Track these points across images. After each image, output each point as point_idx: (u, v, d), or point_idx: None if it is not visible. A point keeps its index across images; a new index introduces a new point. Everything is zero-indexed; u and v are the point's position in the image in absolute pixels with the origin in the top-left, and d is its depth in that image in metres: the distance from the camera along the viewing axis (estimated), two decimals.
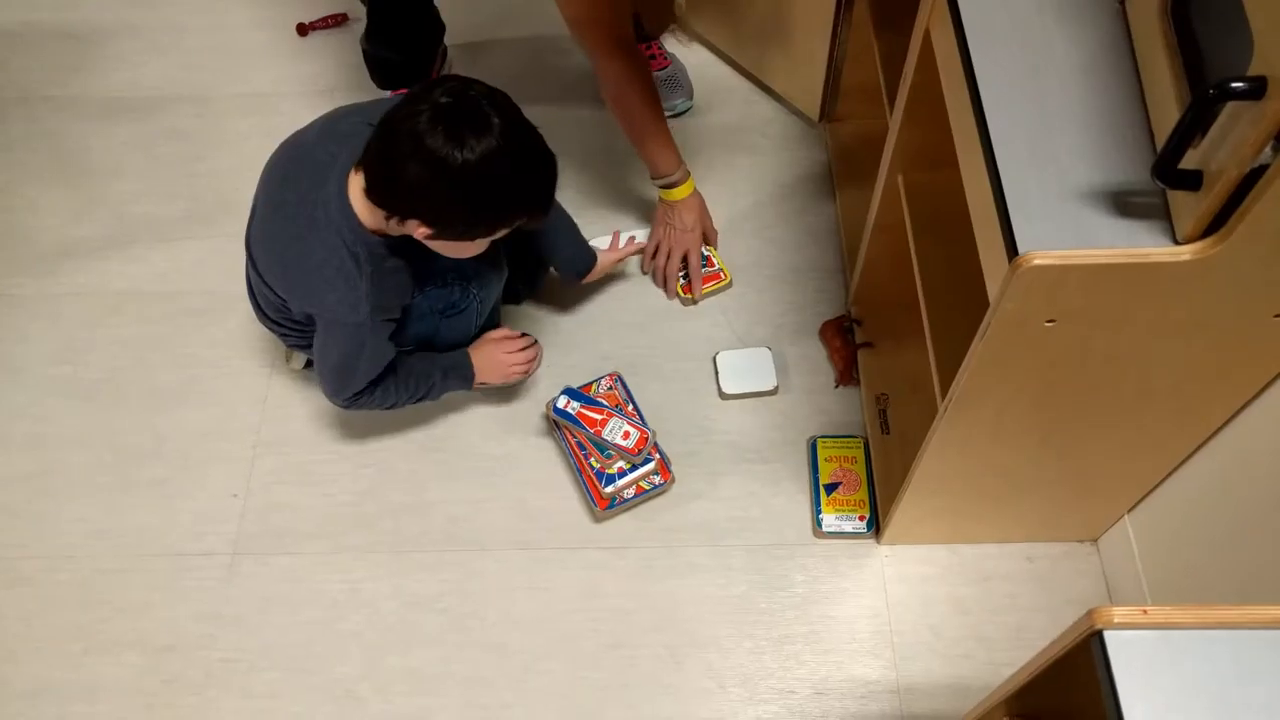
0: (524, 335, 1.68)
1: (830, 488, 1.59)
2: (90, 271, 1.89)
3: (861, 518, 1.56)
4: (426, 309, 1.47)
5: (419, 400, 1.55)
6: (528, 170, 1.25)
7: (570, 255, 1.69)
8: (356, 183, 1.26)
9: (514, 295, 1.76)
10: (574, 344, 1.77)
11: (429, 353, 1.55)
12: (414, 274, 1.39)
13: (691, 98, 2.05)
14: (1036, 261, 0.87)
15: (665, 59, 2.05)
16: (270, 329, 1.55)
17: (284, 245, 1.35)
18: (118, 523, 1.63)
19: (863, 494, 1.58)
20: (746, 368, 1.71)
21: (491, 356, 1.61)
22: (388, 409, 1.54)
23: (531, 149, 1.25)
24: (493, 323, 1.66)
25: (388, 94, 1.99)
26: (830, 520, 1.56)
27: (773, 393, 1.70)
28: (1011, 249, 0.88)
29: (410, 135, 1.17)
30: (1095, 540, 1.54)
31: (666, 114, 2.02)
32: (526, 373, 1.67)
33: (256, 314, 1.56)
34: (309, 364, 1.72)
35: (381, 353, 1.43)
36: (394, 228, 1.27)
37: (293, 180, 1.35)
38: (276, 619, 1.54)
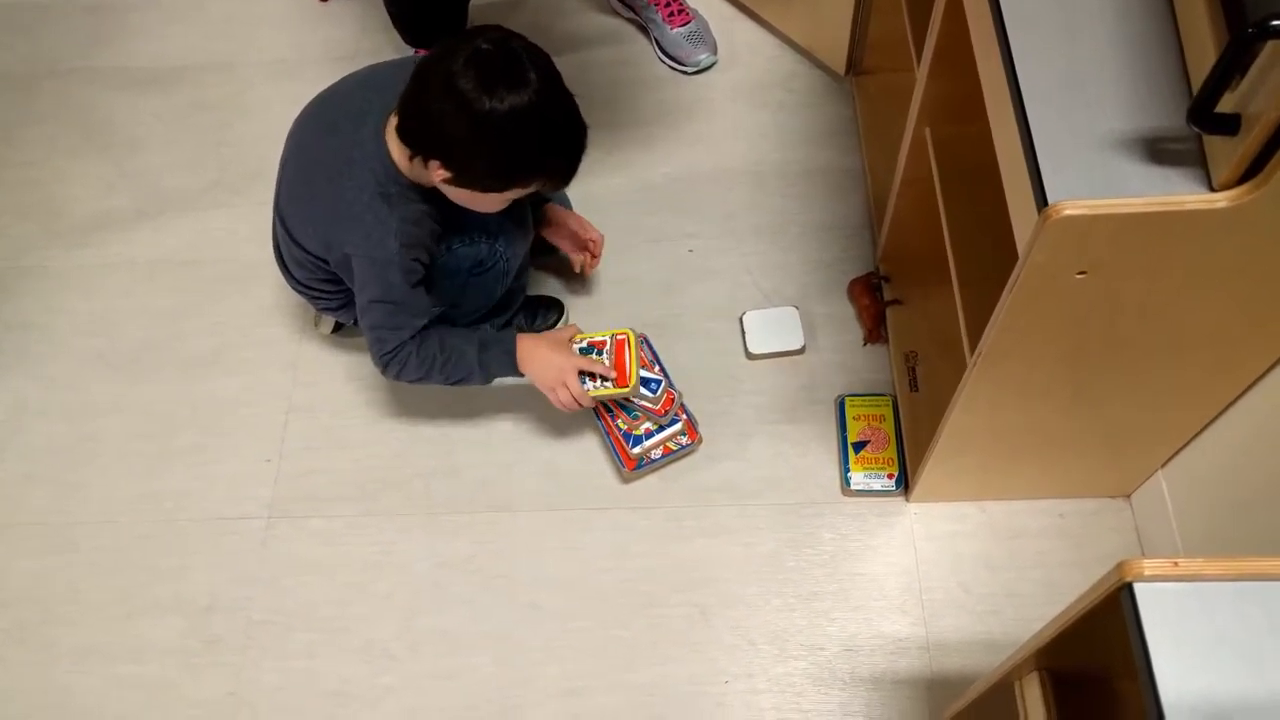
0: (601, 364, 1.50)
1: (859, 446, 1.58)
2: (121, 242, 1.91)
3: (890, 475, 1.55)
4: (454, 266, 1.46)
5: (461, 378, 1.47)
6: (554, 134, 1.24)
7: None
8: (392, 123, 1.28)
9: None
10: (600, 305, 1.77)
11: (474, 328, 1.54)
12: (441, 225, 1.39)
13: (715, 53, 2.02)
14: (1067, 212, 0.85)
15: (688, 14, 2.02)
16: (300, 292, 1.57)
17: (317, 189, 1.36)
18: (156, 488, 1.66)
19: (891, 452, 1.58)
20: (773, 327, 1.70)
21: (551, 359, 1.47)
22: (436, 381, 1.46)
23: (563, 114, 1.24)
24: (520, 285, 1.66)
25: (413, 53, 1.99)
26: (859, 478, 1.56)
27: (800, 352, 1.69)
28: (1041, 199, 0.86)
29: (444, 75, 1.18)
30: (1128, 496, 1.52)
31: (690, 70, 2.01)
32: (566, 404, 1.49)
33: (285, 278, 1.57)
34: (337, 328, 1.74)
35: (417, 303, 1.40)
36: (418, 169, 1.28)
37: (328, 127, 1.37)
38: (312, 581, 1.56)
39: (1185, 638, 0.70)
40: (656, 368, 1.63)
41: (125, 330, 1.82)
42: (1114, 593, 0.74)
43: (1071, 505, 1.53)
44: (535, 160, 1.26)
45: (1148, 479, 1.46)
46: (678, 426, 1.58)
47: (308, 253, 1.42)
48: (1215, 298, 0.99)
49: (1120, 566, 0.73)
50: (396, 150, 1.30)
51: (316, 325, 1.76)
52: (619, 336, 1.51)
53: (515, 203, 1.36)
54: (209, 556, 1.60)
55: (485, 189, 1.29)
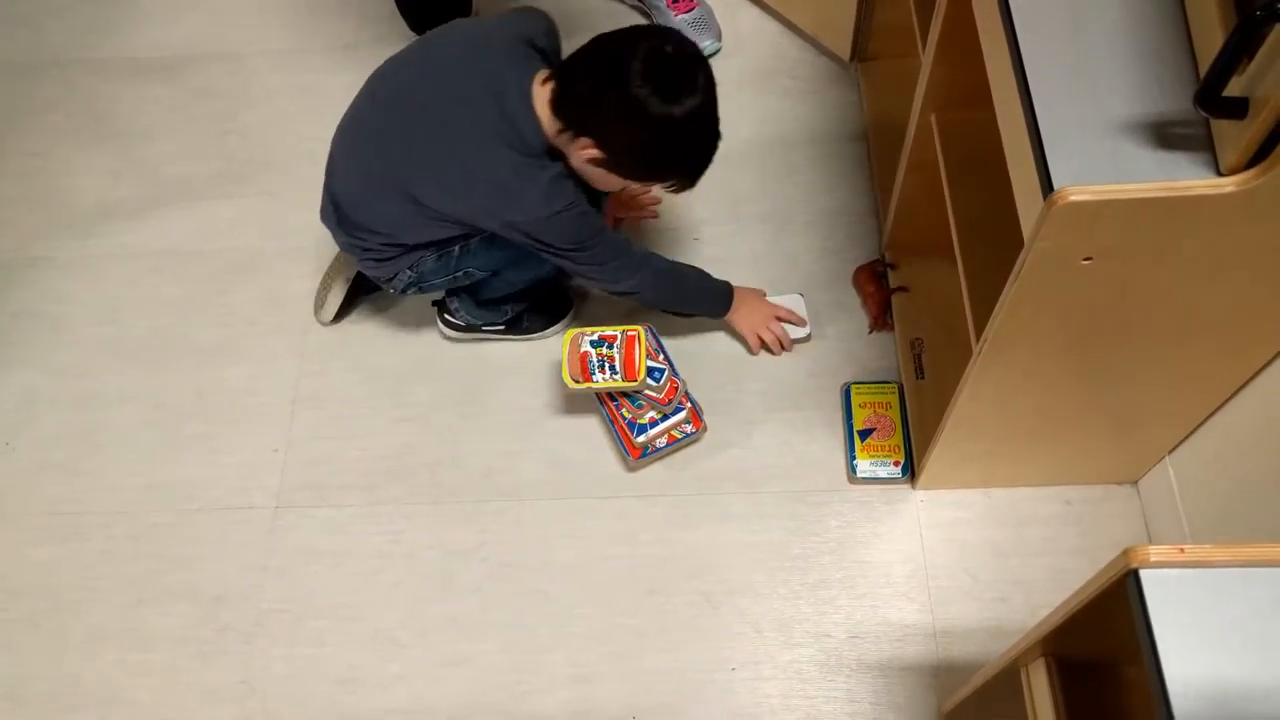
0: (795, 314, 1.68)
1: (865, 433, 1.58)
2: (128, 232, 1.92)
3: (896, 463, 1.55)
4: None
5: (689, 299, 1.61)
6: (708, 140, 1.32)
7: None
8: (542, 94, 1.31)
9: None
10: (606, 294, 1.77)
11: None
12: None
13: (720, 40, 2.01)
14: (1072, 197, 0.85)
15: (693, 1, 2.01)
16: (358, 252, 1.52)
17: (468, 154, 1.33)
18: (165, 477, 1.67)
19: (897, 439, 1.57)
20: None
21: (757, 306, 1.65)
22: (659, 298, 1.59)
23: (716, 122, 1.31)
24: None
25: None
26: (865, 466, 1.56)
27: (806, 339, 1.68)
28: (1046, 185, 0.86)
29: (622, 69, 1.22)
30: (1135, 482, 1.52)
31: None
32: (776, 344, 1.66)
33: (347, 240, 1.52)
34: (339, 316, 1.74)
35: (609, 233, 1.44)
36: (562, 141, 1.32)
37: (459, 92, 1.34)
38: (320, 570, 1.57)
39: (1191, 623, 0.71)
40: (661, 356, 1.63)
41: (133, 319, 1.82)
42: (1120, 579, 0.74)
43: (1078, 492, 1.53)
44: (686, 160, 1.33)
45: (1155, 465, 1.46)
46: (682, 415, 1.58)
47: (435, 218, 1.40)
48: (1223, 283, 0.99)
49: (1126, 553, 0.73)
50: (547, 119, 1.31)
51: (317, 314, 1.76)
52: (629, 332, 1.51)
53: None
54: (218, 545, 1.60)
55: (628, 177, 1.34)
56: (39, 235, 1.93)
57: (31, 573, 1.61)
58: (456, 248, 1.48)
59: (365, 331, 1.77)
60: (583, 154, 1.31)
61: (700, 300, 1.63)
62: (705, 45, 1.99)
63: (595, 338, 1.51)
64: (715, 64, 1.97)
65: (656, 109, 1.23)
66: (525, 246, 1.39)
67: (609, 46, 1.26)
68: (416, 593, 1.54)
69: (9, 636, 1.56)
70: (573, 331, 1.50)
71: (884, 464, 1.56)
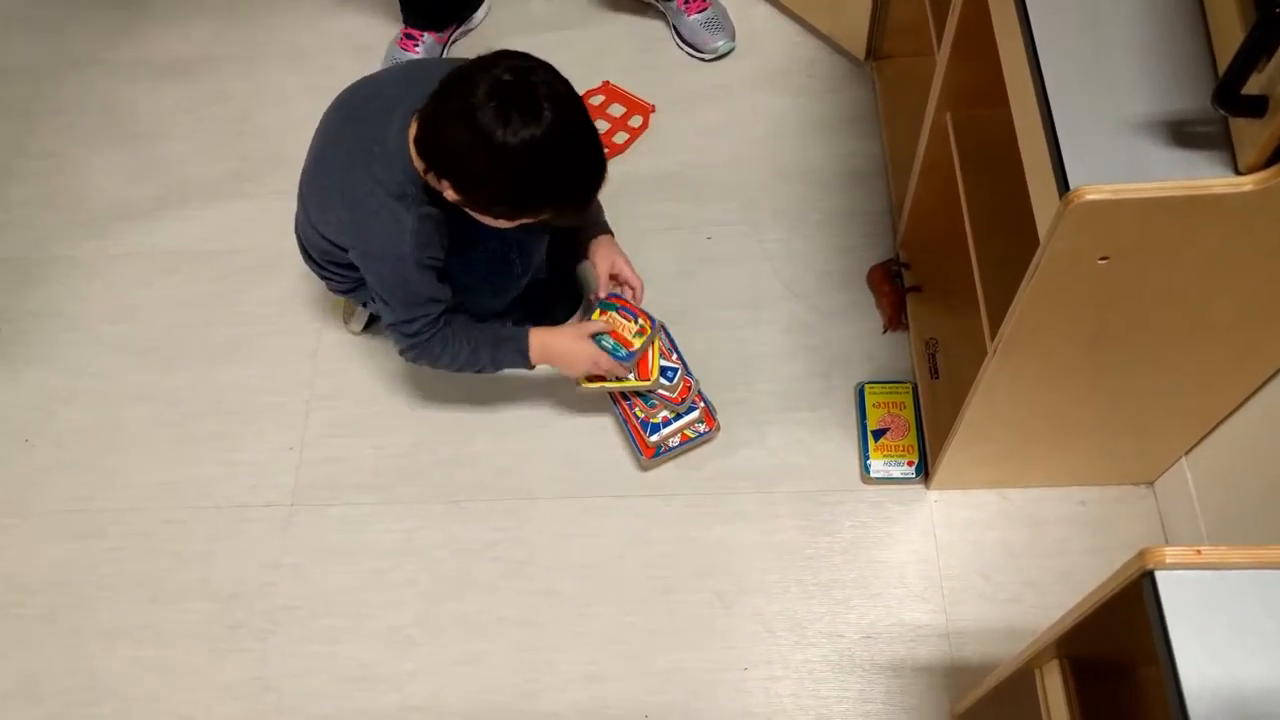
0: (622, 367, 1.52)
1: (878, 433, 1.58)
2: (144, 232, 1.93)
3: (910, 463, 1.55)
4: (466, 266, 1.46)
5: (478, 369, 1.49)
6: (566, 169, 1.23)
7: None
8: (414, 129, 1.28)
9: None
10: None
11: (491, 322, 1.53)
12: (455, 230, 1.39)
13: (733, 39, 2.01)
14: (1089, 197, 0.84)
15: (705, 1, 2.01)
16: (315, 272, 1.57)
17: (336, 175, 1.36)
18: (180, 475, 1.68)
19: (911, 439, 1.57)
20: None
21: (575, 350, 1.50)
22: (454, 370, 1.48)
23: (577, 149, 1.23)
24: (540, 279, 1.63)
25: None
26: (878, 466, 1.55)
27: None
28: (1062, 184, 0.85)
29: (461, 99, 1.17)
30: (1152, 483, 1.51)
31: (708, 56, 2.00)
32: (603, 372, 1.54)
33: (303, 259, 1.58)
34: (367, 326, 1.75)
35: (433, 293, 1.40)
36: (432, 181, 1.28)
37: (356, 116, 1.37)
38: (334, 568, 1.58)
39: (1207, 626, 0.70)
40: (674, 356, 1.62)
41: (149, 319, 1.83)
42: (1136, 580, 0.73)
43: (1094, 493, 1.52)
44: (544, 194, 1.24)
45: (1171, 466, 1.45)
46: (695, 414, 1.58)
47: (324, 238, 1.43)
48: (1241, 282, 0.98)
49: (1142, 554, 0.72)
50: (416, 156, 1.29)
51: (347, 324, 1.76)
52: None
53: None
54: (233, 543, 1.61)
55: (495, 216, 1.29)
56: (56, 235, 1.94)
57: (48, 569, 1.62)
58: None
59: (380, 333, 1.77)
60: (448, 195, 1.26)
61: (490, 365, 1.49)
62: (719, 45, 1.99)
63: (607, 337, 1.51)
64: (729, 63, 2.01)
65: (493, 140, 1.15)
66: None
67: (454, 81, 1.19)
68: (429, 591, 1.55)
69: (26, 632, 1.57)
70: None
71: (898, 464, 1.55)
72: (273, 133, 2.03)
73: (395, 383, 1.73)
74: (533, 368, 1.51)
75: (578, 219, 1.30)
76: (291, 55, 2.14)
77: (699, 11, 2.00)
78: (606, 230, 1.61)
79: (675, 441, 1.58)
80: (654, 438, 1.56)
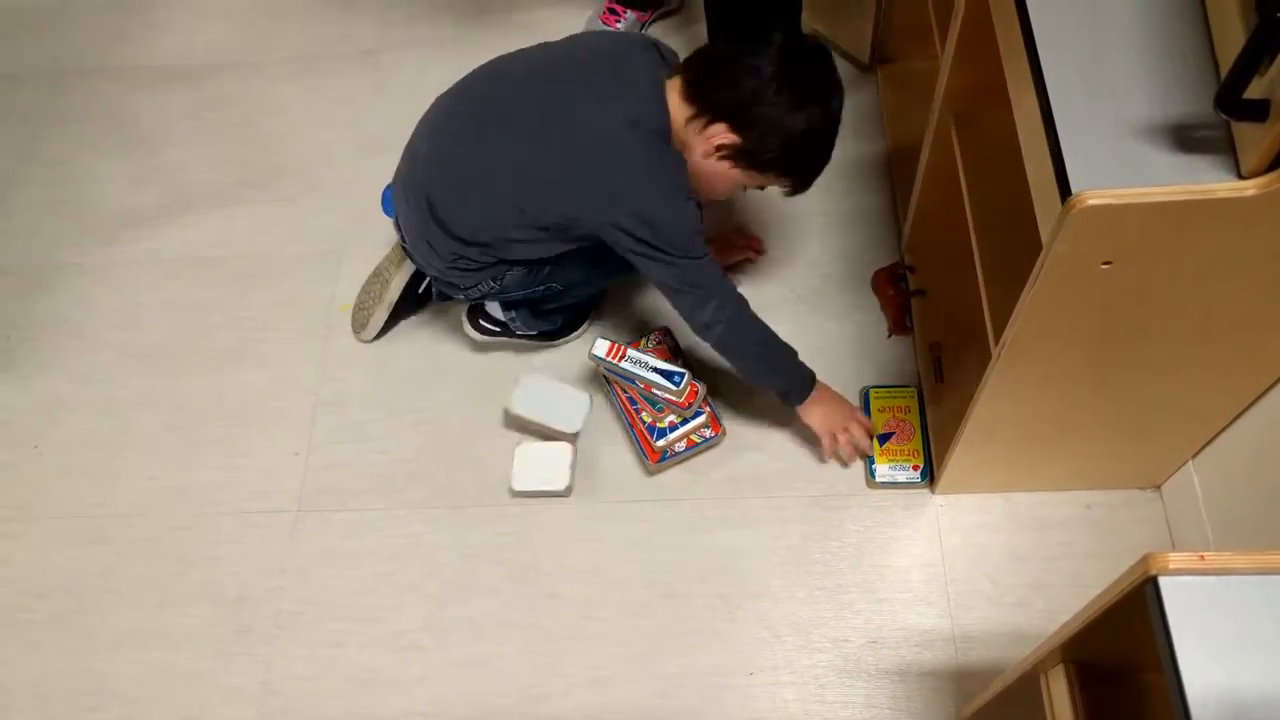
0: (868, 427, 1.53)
1: (884, 438, 1.58)
2: (149, 238, 1.94)
3: (915, 467, 1.55)
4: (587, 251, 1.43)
5: (766, 368, 1.48)
6: (832, 145, 1.34)
7: None
8: (673, 85, 1.31)
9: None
10: (625, 297, 1.77)
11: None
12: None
13: None
14: (1091, 202, 0.84)
15: None
16: (451, 278, 1.50)
17: (592, 152, 1.30)
18: (187, 481, 1.68)
19: (916, 444, 1.57)
20: (542, 461, 1.60)
21: (839, 405, 1.51)
22: (741, 353, 1.46)
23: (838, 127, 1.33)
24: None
25: None
26: (884, 470, 1.55)
27: (564, 494, 1.59)
28: (1064, 189, 0.85)
29: (770, 57, 1.24)
30: (1158, 487, 1.51)
31: None
32: (850, 451, 1.53)
33: (431, 263, 1.49)
34: (380, 334, 1.75)
35: (711, 261, 1.37)
36: (690, 133, 1.31)
37: (580, 89, 1.33)
38: (340, 572, 1.58)
39: (1211, 631, 0.70)
40: (680, 360, 1.63)
41: (155, 325, 1.84)
42: (1139, 586, 0.73)
43: (1100, 496, 1.51)
44: (817, 164, 1.35)
45: (1178, 470, 1.44)
46: (701, 419, 1.58)
47: (540, 227, 1.37)
48: (1244, 286, 0.98)
49: (1145, 560, 0.72)
50: (676, 107, 1.31)
51: (359, 334, 1.76)
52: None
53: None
54: (239, 548, 1.62)
55: (752, 166, 1.32)
56: (63, 242, 1.95)
57: (56, 574, 1.63)
58: (548, 266, 1.49)
59: (384, 336, 1.78)
60: (713, 142, 1.29)
61: (777, 371, 1.48)
62: None
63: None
64: None
65: (805, 99, 1.26)
66: (624, 248, 1.32)
67: (751, 39, 1.27)
68: (435, 595, 1.55)
69: (35, 637, 1.58)
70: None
71: (903, 468, 1.55)
72: (276, 139, 2.03)
73: (401, 387, 1.73)
74: (802, 400, 1.49)
75: (788, 192, 1.39)
76: (292, 60, 2.14)
77: None
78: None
79: (681, 446, 1.58)
80: (660, 443, 1.56)
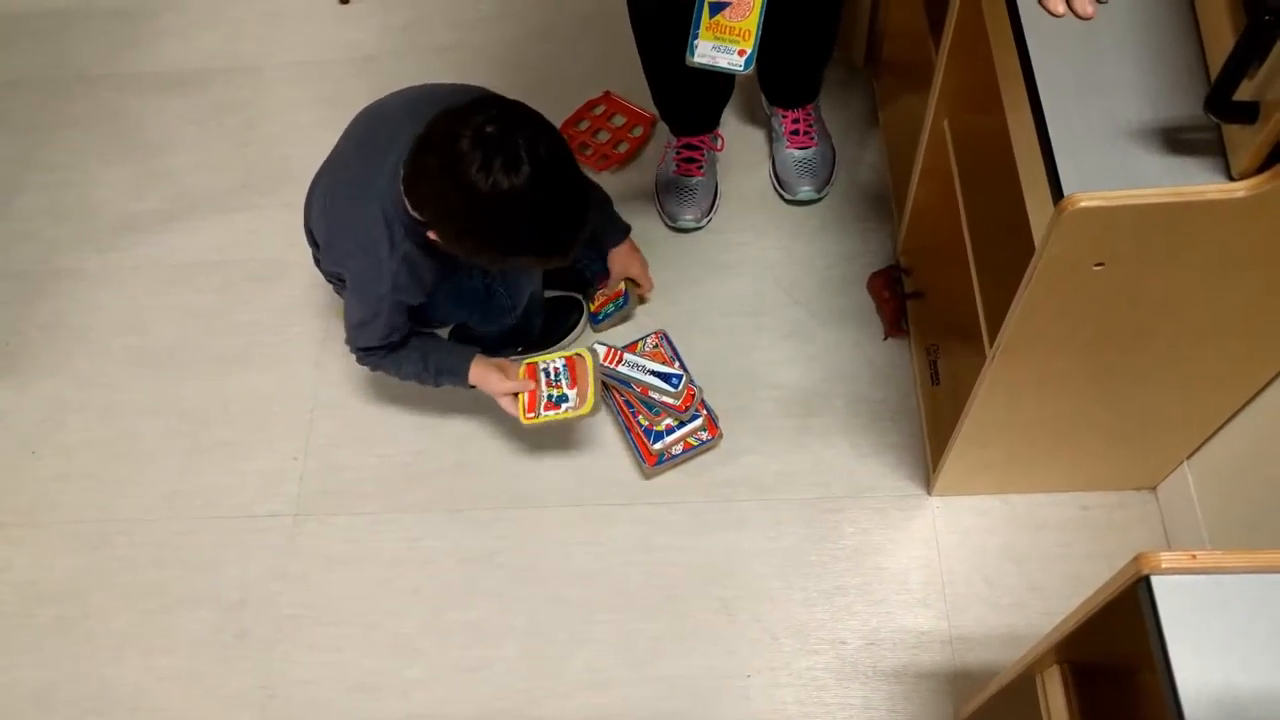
0: (522, 381, 1.52)
1: (716, 7, 1.25)
2: (152, 244, 1.95)
3: (741, 52, 1.24)
4: (456, 298, 1.49)
5: (425, 383, 1.53)
6: (545, 221, 1.22)
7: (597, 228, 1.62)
8: (404, 171, 1.28)
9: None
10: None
11: (440, 339, 1.56)
12: (442, 268, 1.39)
13: (819, 191, 1.85)
14: (1083, 204, 0.85)
15: (812, 140, 1.85)
16: (325, 277, 1.59)
17: (334, 200, 1.40)
18: (188, 485, 1.69)
19: (751, 23, 1.23)
20: None
21: (490, 375, 1.52)
22: (401, 379, 1.53)
23: (557, 201, 1.21)
24: (536, 308, 1.66)
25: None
26: (704, 49, 1.25)
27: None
28: (1056, 191, 0.86)
29: (446, 148, 1.16)
30: (1154, 488, 1.51)
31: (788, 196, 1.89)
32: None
33: (315, 262, 1.59)
34: None
35: (397, 325, 1.43)
36: (424, 223, 1.29)
37: (362, 144, 1.40)
38: (340, 576, 1.59)
39: (1204, 631, 0.70)
40: (677, 363, 1.63)
41: (157, 330, 1.85)
42: (1131, 586, 0.74)
43: (1096, 498, 1.52)
44: (520, 242, 1.24)
45: (1173, 471, 1.45)
46: (698, 422, 1.59)
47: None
48: (1237, 287, 0.98)
49: (1137, 559, 0.73)
50: (404, 197, 1.29)
51: None
52: (572, 357, 1.51)
53: None
54: (239, 552, 1.62)
55: (478, 261, 1.31)
56: (65, 247, 1.96)
57: (59, 579, 1.63)
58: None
59: None
60: (430, 235, 1.27)
61: (441, 373, 1.52)
62: (801, 192, 1.81)
63: (547, 365, 1.51)
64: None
65: (473, 191, 1.15)
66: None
67: (439, 128, 1.19)
68: (434, 598, 1.56)
69: (37, 641, 1.58)
70: (527, 361, 1.53)
71: (727, 50, 1.25)
72: (278, 144, 2.04)
73: (399, 391, 1.74)
74: (471, 387, 1.54)
75: (564, 264, 1.31)
76: (294, 67, 2.15)
77: (801, 149, 1.82)
78: (621, 233, 1.66)
79: (678, 449, 1.59)
80: (657, 445, 1.57)
